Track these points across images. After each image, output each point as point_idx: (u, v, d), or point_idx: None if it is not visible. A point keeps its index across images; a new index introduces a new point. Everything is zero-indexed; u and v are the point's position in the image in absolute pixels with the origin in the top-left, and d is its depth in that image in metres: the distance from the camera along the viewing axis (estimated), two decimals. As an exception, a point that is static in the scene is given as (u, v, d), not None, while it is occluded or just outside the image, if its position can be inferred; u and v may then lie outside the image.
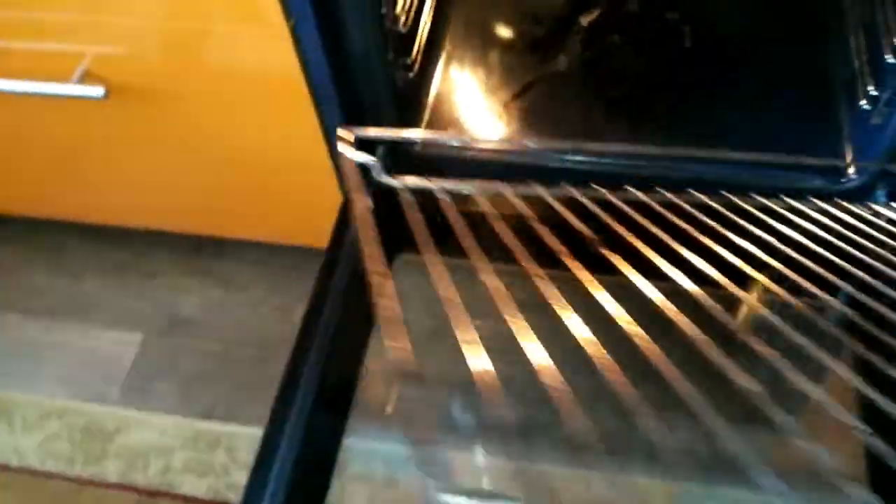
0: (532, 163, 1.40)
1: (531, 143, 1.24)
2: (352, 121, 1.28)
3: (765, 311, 0.84)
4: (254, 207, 1.55)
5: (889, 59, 1.20)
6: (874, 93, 1.26)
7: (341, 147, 1.15)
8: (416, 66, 1.43)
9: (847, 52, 1.41)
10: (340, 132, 1.16)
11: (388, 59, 1.28)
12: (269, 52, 1.14)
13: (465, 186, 1.06)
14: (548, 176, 1.43)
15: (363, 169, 1.14)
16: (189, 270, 1.74)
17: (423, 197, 1.07)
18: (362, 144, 1.19)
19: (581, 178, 1.29)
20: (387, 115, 1.34)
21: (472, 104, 1.49)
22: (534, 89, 1.54)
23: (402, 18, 1.34)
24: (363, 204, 0.94)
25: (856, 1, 1.42)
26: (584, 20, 1.63)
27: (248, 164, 1.42)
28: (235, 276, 1.71)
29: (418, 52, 1.45)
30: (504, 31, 1.61)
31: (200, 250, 1.74)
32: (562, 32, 1.61)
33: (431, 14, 1.57)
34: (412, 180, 1.12)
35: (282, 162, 1.39)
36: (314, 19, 1.04)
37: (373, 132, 1.22)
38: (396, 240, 1.53)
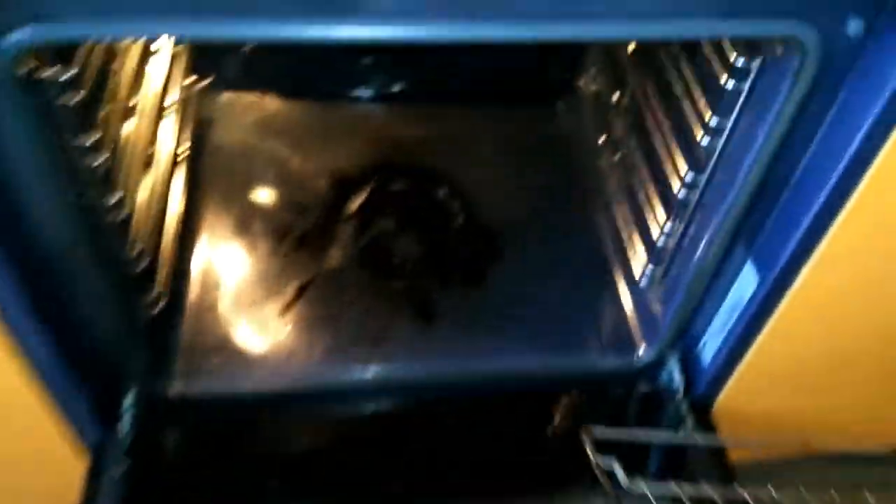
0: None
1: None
2: (89, 379, 1.03)
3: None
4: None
5: (658, 240, 1.21)
6: (649, 269, 1.27)
7: (590, 449, 1.07)
8: (165, 298, 1.22)
9: (616, 228, 1.43)
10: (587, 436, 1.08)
11: (127, 301, 1.07)
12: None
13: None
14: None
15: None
16: None
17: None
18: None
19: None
20: (132, 362, 1.11)
21: (239, 321, 1.30)
22: (310, 290, 1.39)
23: (141, 253, 1.13)
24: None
25: (614, 171, 1.45)
26: (353, 204, 1.53)
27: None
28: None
29: (166, 280, 1.24)
30: (267, 229, 1.46)
31: None
32: (331, 221, 1.49)
33: (176, 233, 1.35)
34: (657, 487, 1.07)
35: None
36: (27, 299, 0.82)
37: (619, 434, 1.12)
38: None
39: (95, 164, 0.92)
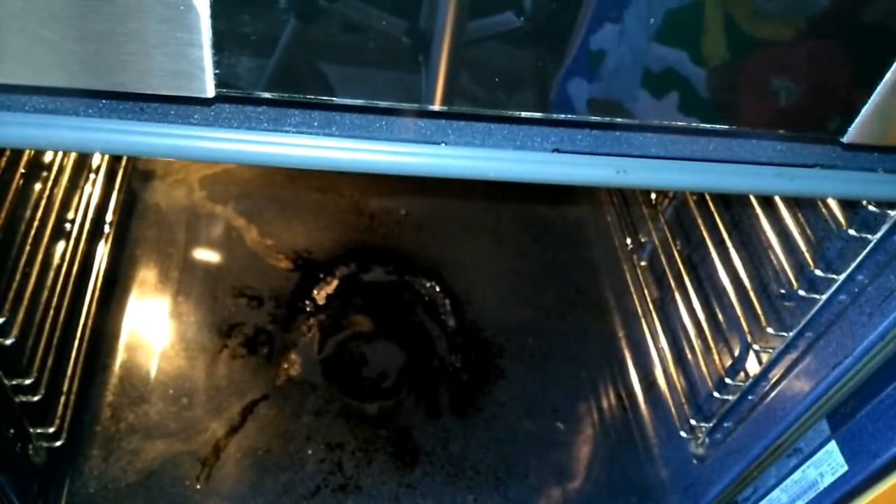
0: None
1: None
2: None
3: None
4: None
5: (713, 392, 0.97)
6: (693, 421, 1.03)
7: None
8: (65, 431, 0.92)
9: (642, 352, 1.19)
10: None
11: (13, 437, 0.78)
12: None
13: None
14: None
15: None
16: None
17: None
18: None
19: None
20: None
21: (160, 458, 0.99)
22: (259, 412, 1.10)
23: (36, 382, 0.84)
24: None
25: (640, 280, 1.21)
26: (319, 296, 1.25)
27: None
28: None
29: (65, 410, 0.93)
30: (209, 323, 1.16)
31: None
32: (292, 316, 1.21)
33: (83, 346, 1.05)
34: None
35: None
36: None
37: None
38: None
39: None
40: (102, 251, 1.16)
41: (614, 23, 0.47)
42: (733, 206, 0.98)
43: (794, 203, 0.83)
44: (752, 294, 0.88)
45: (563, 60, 0.49)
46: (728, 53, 0.49)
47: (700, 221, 1.03)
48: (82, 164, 1.11)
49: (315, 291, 1.24)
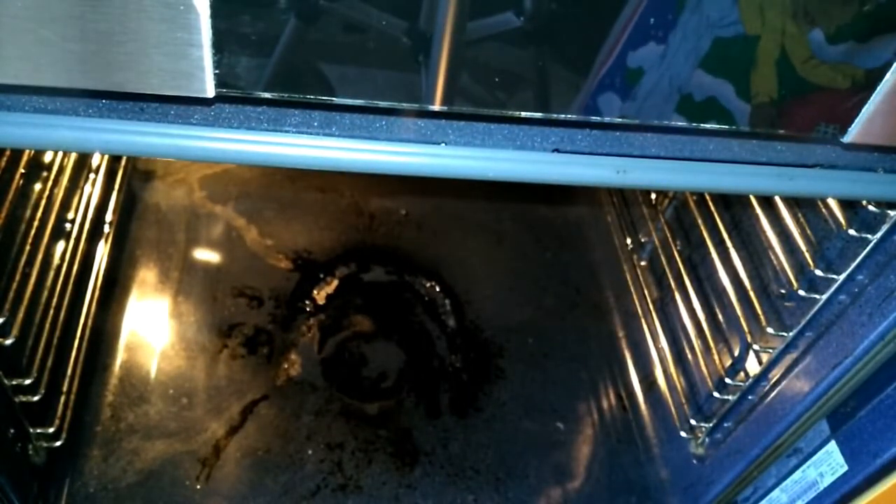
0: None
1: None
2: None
3: None
4: None
5: (713, 392, 0.97)
6: (693, 421, 1.02)
7: None
8: (64, 431, 0.92)
9: (642, 352, 1.19)
10: None
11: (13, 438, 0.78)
12: None
13: None
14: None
15: None
16: None
17: None
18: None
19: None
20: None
21: (160, 458, 1.00)
22: (259, 412, 1.10)
23: (36, 382, 0.84)
24: None
25: (640, 280, 1.22)
26: (319, 296, 1.25)
27: None
28: None
29: (65, 410, 0.93)
30: (208, 323, 1.16)
31: None
32: (291, 316, 1.21)
33: (83, 346, 1.05)
34: None
35: None
36: None
37: None
38: None
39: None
40: (102, 251, 1.16)
41: (658, 42, 0.47)
42: (733, 206, 0.98)
43: (794, 203, 0.83)
44: (752, 294, 0.88)
45: (577, 67, 0.49)
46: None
47: (700, 221, 1.03)
48: (82, 164, 1.11)
49: (315, 291, 1.24)
